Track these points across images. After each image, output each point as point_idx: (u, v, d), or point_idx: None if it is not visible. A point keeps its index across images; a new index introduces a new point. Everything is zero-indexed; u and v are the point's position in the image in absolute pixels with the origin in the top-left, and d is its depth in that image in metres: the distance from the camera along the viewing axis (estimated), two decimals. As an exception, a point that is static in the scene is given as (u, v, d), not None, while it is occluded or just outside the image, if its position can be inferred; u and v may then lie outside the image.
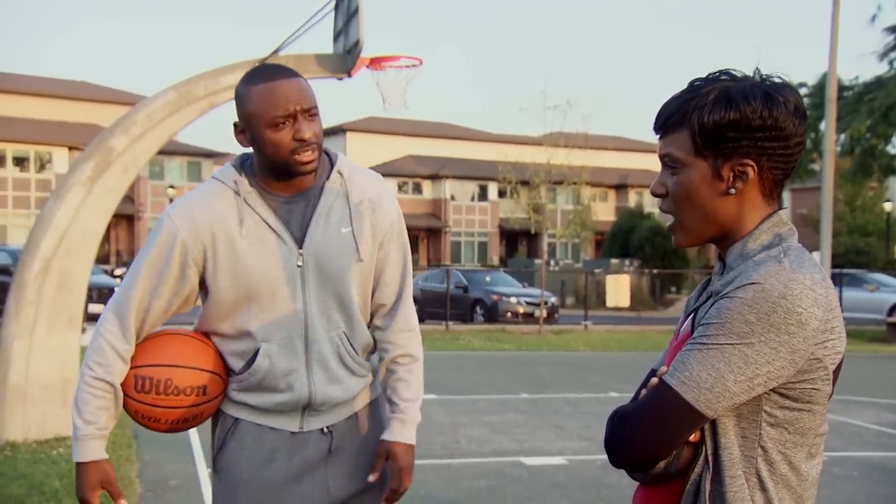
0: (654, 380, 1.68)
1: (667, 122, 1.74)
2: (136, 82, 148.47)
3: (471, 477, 7.05)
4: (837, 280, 22.83)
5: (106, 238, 34.70)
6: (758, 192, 1.71)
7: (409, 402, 2.54)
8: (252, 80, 2.34)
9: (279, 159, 2.33)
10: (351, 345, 2.48)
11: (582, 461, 7.64)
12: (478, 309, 24.78)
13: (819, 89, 21.75)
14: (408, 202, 52.75)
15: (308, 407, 2.46)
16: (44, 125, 45.79)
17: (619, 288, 30.60)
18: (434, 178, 54.99)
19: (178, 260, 2.37)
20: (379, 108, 9.57)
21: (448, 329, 21.34)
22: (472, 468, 7.35)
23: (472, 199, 55.93)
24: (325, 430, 2.48)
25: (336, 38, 8.89)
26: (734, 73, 1.73)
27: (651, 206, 47.54)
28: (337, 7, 8.80)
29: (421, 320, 21.19)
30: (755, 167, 1.68)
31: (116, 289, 2.54)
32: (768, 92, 1.67)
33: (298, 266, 2.39)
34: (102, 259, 39.75)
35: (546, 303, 22.86)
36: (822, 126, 19.77)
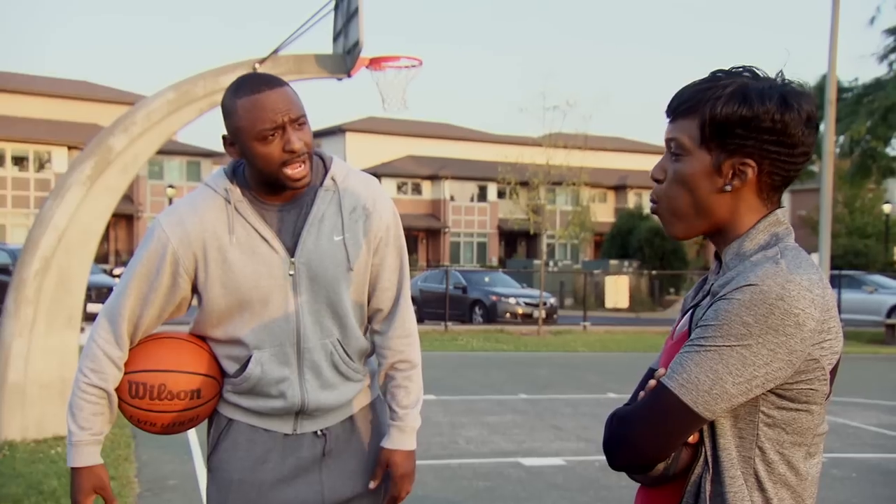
0: (653, 382, 1.67)
1: (679, 107, 1.73)
2: (135, 82, 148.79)
3: (469, 477, 7.05)
4: (836, 282, 22.82)
5: (105, 237, 34.75)
6: (754, 194, 1.70)
7: (408, 408, 2.53)
8: (237, 93, 2.31)
9: (269, 172, 2.31)
10: (345, 351, 2.47)
11: (580, 462, 7.64)
12: (477, 309, 24.77)
13: (818, 90, 21.65)
14: (407, 202, 52.73)
15: (301, 412, 2.45)
16: (43, 124, 45.69)
17: (617, 289, 30.65)
18: (433, 178, 54.96)
19: (169, 270, 2.37)
20: (378, 109, 9.59)
21: (447, 329, 21.33)
22: (471, 469, 7.35)
23: (472, 200, 55.90)
24: (319, 433, 2.48)
25: (336, 39, 8.88)
26: (757, 71, 1.72)
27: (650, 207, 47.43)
28: (337, 7, 8.79)
29: (420, 321, 21.10)
30: (755, 168, 1.67)
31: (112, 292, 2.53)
32: (785, 96, 1.66)
33: (290, 275, 2.38)
34: (101, 258, 39.76)
35: (545, 303, 22.83)
36: (822, 127, 19.75)
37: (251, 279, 2.36)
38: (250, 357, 2.40)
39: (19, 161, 44.98)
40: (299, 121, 2.31)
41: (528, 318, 23.71)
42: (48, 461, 6.67)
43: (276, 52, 8.41)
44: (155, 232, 2.39)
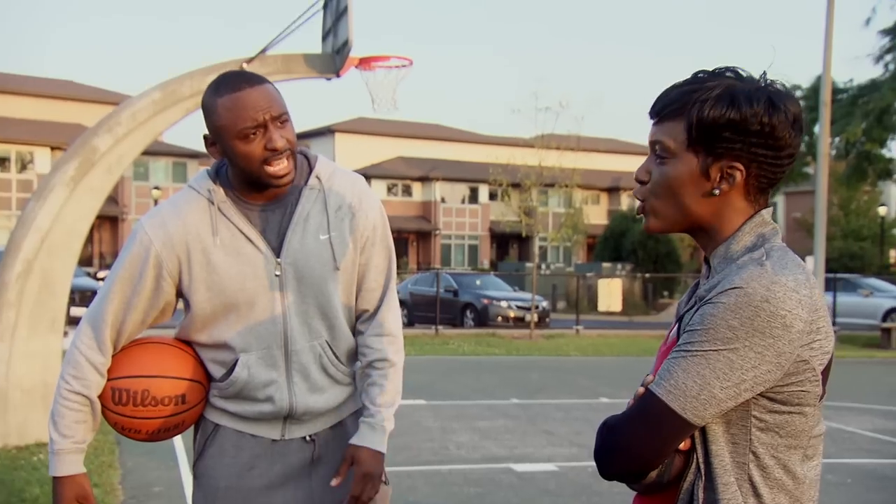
0: (641, 389, 1.66)
1: (664, 109, 1.71)
2: (120, 81, 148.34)
3: (460, 483, 6.98)
4: (831, 285, 22.77)
5: (89, 240, 34.62)
6: (741, 196, 1.70)
7: (382, 407, 2.47)
8: (217, 92, 2.28)
9: (252, 171, 2.30)
10: (334, 353, 2.45)
11: (573, 468, 7.57)
12: (468, 313, 24.68)
13: (813, 92, 21.72)
14: (397, 204, 52.70)
15: (289, 416, 2.43)
16: (25, 124, 45.12)
17: (610, 292, 30.59)
18: (424, 180, 54.94)
19: (153, 273, 2.35)
20: (368, 109, 9.51)
21: (438, 333, 21.25)
22: (462, 474, 7.27)
23: (463, 202, 55.90)
24: (308, 438, 2.45)
25: (325, 38, 8.82)
26: (740, 71, 1.71)
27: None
28: (326, 6, 8.73)
29: (410, 324, 21.21)
30: (743, 171, 1.67)
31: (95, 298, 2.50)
32: (772, 98, 1.65)
33: (276, 275, 2.36)
34: (85, 261, 39.49)
35: (537, 307, 22.82)
36: (817, 129, 19.73)
37: (236, 281, 2.33)
38: (237, 360, 2.37)
39: (1, 161, 44.45)
40: (281, 118, 2.29)
41: (519, 322, 23.64)
42: (30, 468, 6.59)
43: (264, 51, 8.34)
44: (137, 235, 2.37)
